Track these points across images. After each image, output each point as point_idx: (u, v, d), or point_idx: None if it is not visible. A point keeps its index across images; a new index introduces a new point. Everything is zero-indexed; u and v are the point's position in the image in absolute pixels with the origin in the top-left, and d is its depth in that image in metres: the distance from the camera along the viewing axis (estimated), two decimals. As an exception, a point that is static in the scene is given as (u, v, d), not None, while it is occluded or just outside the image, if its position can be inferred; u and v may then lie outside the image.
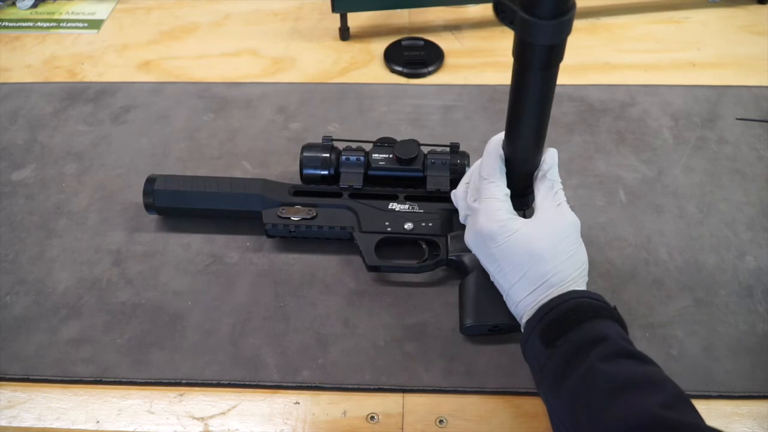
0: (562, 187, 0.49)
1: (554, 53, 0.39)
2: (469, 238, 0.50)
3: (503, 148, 0.49)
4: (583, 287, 0.46)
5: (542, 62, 0.39)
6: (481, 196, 0.49)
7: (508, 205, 0.48)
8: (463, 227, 0.55)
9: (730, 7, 0.88)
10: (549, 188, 0.49)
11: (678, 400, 0.39)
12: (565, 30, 0.38)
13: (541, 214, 0.48)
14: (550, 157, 0.50)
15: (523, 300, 0.46)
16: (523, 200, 0.50)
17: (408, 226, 0.56)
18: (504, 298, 0.49)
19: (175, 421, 0.49)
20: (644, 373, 0.40)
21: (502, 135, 0.49)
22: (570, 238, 0.47)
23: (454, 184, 0.57)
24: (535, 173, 0.50)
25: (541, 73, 0.41)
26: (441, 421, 0.49)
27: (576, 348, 0.42)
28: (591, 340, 0.42)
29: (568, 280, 0.45)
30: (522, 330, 0.46)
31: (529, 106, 0.43)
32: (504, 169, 0.49)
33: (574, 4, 0.37)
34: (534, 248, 0.46)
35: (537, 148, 0.48)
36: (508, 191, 0.49)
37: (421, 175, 0.58)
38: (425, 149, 0.59)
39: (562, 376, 0.41)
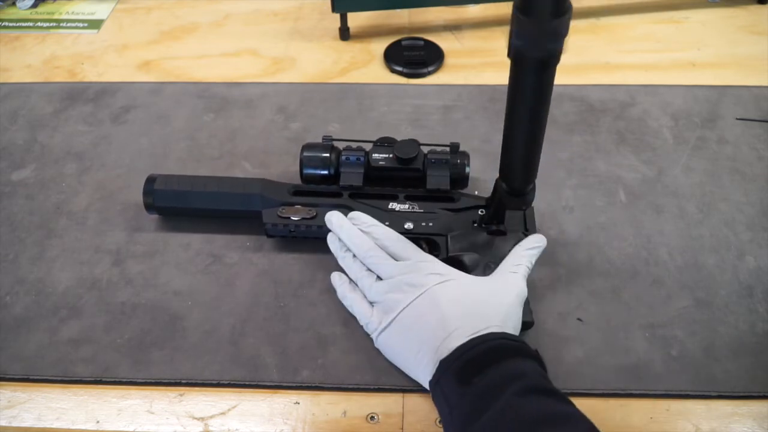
0: (527, 268, 0.51)
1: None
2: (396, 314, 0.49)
3: (504, 146, 0.49)
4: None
5: (537, 63, 0.39)
6: (417, 268, 0.50)
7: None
8: (464, 226, 0.55)
9: (730, 7, 0.88)
10: (514, 262, 0.51)
11: None
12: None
13: (493, 276, 0.51)
14: (537, 240, 0.53)
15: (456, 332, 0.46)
16: (523, 199, 0.50)
17: (408, 225, 0.56)
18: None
19: (175, 421, 0.49)
20: (561, 411, 0.40)
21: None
22: (512, 299, 0.49)
23: (454, 183, 0.58)
24: (519, 243, 0.53)
25: (535, 74, 0.41)
26: (441, 421, 0.48)
27: (493, 384, 0.41)
28: (508, 376, 0.41)
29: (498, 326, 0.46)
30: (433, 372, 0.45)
31: (524, 104, 0.43)
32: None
33: (570, 6, 0.37)
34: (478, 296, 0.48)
35: (533, 145, 0.47)
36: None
37: (421, 174, 0.58)
38: (425, 149, 0.59)
39: (476, 413, 0.41)
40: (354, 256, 0.54)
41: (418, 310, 0.48)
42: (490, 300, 0.48)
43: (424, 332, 0.46)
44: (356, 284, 0.53)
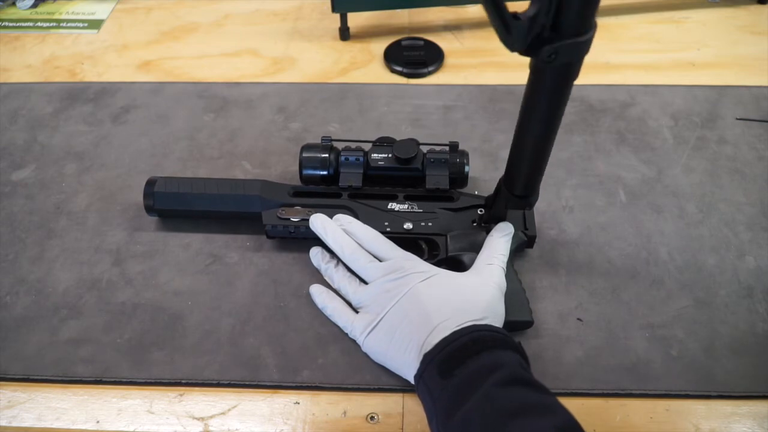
0: (502, 257, 0.52)
1: (567, 71, 0.39)
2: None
3: (513, 148, 0.49)
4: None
5: (554, 77, 0.40)
6: (399, 267, 0.51)
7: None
8: (463, 226, 0.55)
9: (730, 7, 0.88)
10: (489, 254, 0.52)
11: (573, 426, 0.39)
12: (583, 50, 0.38)
13: (471, 271, 0.51)
14: (504, 228, 0.54)
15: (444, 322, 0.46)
16: (526, 201, 0.50)
17: (407, 225, 0.56)
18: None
19: (175, 421, 0.49)
20: (539, 401, 0.40)
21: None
22: (493, 292, 0.49)
23: (454, 182, 0.58)
24: (489, 235, 0.54)
25: (552, 86, 0.41)
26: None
27: (473, 375, 0.42)
28: (488, 367, 0.42)
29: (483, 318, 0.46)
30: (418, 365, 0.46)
31: (538, 116, 0.43)
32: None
33: (593, 26, 0.37)
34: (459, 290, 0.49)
35: (541, 158, 0.47)
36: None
37: (421, 173, 0.58)
38: (424, 148, 0.59)
39: (456, 404, 0.41)
40: (336, 265, 0.55)
41: (403, 309, 0.48)
42: (471, 294, 0.48)
43: (409, 330, 0.47)
44: (339, 292, 0.54)
